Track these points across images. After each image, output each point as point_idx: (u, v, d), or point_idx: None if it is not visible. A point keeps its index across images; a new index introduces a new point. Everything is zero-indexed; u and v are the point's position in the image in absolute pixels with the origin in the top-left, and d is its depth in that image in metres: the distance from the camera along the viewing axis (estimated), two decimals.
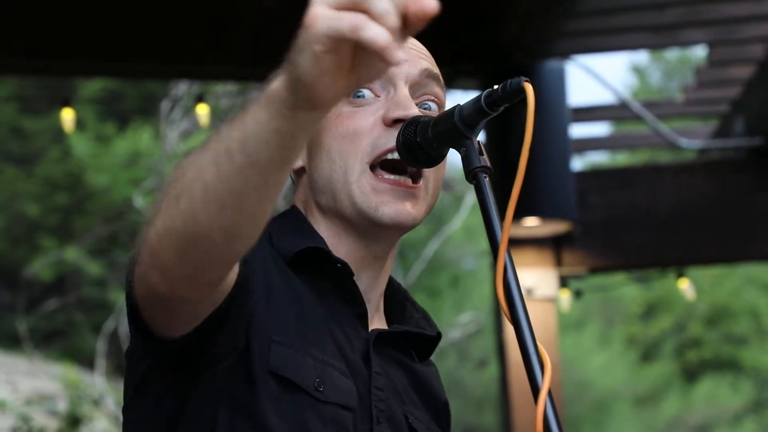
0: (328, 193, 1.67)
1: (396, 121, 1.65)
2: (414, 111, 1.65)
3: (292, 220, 1.70)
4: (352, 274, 1.65)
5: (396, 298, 1.78)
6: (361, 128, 1.65)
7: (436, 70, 1.73)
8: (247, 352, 1.54)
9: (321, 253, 1.65)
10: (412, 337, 1.73)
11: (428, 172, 1.68)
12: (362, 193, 1.64)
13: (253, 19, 5.59)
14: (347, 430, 1.57)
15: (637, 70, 23.61)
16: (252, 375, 1.53)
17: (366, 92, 1.67)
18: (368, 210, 1.64)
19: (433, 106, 1.71)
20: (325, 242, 1.66)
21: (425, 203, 1.68)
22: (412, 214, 1.66)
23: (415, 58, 1.70)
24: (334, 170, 1.65)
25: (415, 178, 1.67)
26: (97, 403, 9.95)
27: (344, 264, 1.65)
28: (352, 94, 1.67)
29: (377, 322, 1.72)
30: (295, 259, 1.64)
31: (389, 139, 1.65)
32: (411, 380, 1.73)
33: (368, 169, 1.65)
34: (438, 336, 1.76)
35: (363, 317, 1.67)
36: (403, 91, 1.68)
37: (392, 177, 1.65)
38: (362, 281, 1.68)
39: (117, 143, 14.56)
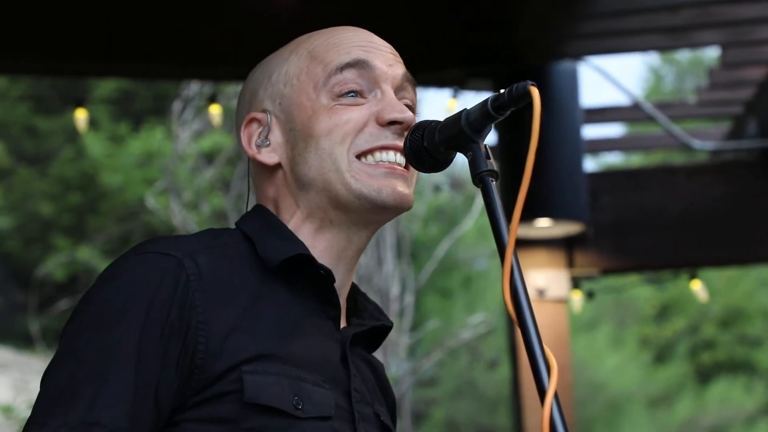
0: (318, 186, 1.67)
1: (391, 123, 1.67)
2: (409, 114, 1.68)
3: (269, 224, 1.69)
4: (333, 280, 1.66)
5: (349, 291, 1.78)
6: (353, 121, 1.67)
7: (409, 73, 1.76)
8: (213, 397, 1.54)
9: (305, 259, 1.65)
10: (373, 330, 1.75)
11: None
12: (358, 180, 1.65)
13: (266, 19, 5.59)
14: None
15: (651, 72, 23.58)
16: (228, 416, 1.54)
17: (355, 94, 1.69)
18: (370, 193, 1.65)
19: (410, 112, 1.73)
20: (305, 246, 1.67)
21: (412, 188, 1.71)
22: (410, 197, 1.68)
23: (394, 62, 1.73)
24: (324, 160, 1.66)
25: (405, 164, 1.69)
26: None
27: (327, 270, 1.65)
28: (341, 94, 1.69)
29: (342, 319, 1.73)
30: (281, 265, 1.64)
31: (381, 138, 1.67)
32: (374, 376, 1.76)
33: (356, 159, 1.66)
34: (391, 326, 1.77)
35: (336, 320, 1.68)
36: (391, 93, 1.70)
37: (387, 162, 1.67)
38: (338, 276, 1.69)
39: (130, 143, 14.61)
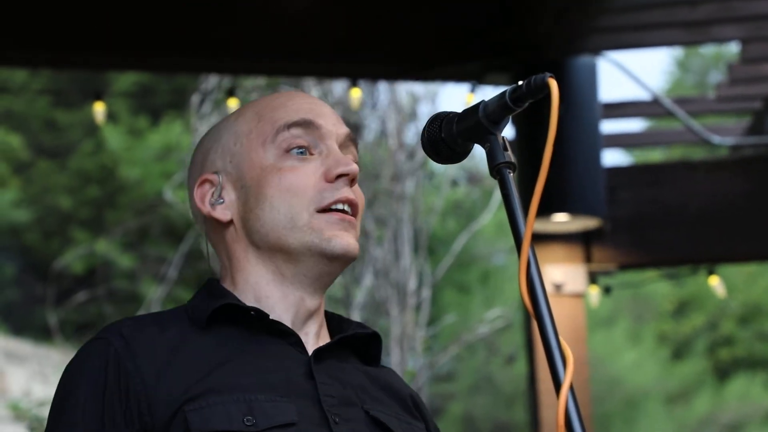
0: (270, 241, 1.74)
1: (338, 177, 1.74)
2: (354, 166, 1.75)
3: (209, 291, 1.77)
4: (267, 315, 1.72)
5: (332, 318, 1.85)
6: (304, 184, 1.74)
7: (352, 133, 1.84)
8: None
9: (232, 307, 1.72)
10: (355, 342, 1.79)
11: (360, 209, 1.78)
12: (313, 230, 1.73)
13: (285, 13, 5.60)
14: None
15: (676, 66, 23.49)
16: None
17: (301, 150, 1.76)
18: (320, 243, 1.73)
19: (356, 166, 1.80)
20: (235, 298, 1.74)
21: (357, 235, 1.78)
22: (356, 247, 1.75)
23: (338, 122, 1.80)
24: (277, 218, 1.73)
25: (353, 213, 1.77)
26: None
27: (257, 310, 1.72)
28: (288, 149, 1.75)
29: (324, 340, 1.78)
30: (213, 319, 1.71)
31: (334, 192, 1.74)
32: (371, 380, 1.77)
33: (316, 213, 1.73)
34: (375, 335, 1.81)
35: (298, 343, 1.73)
36: (336, 149, 1.77)
37: (340, 212, 1.74)
38: (299, 319, 1.75)
39: (149, 137, 14.64)
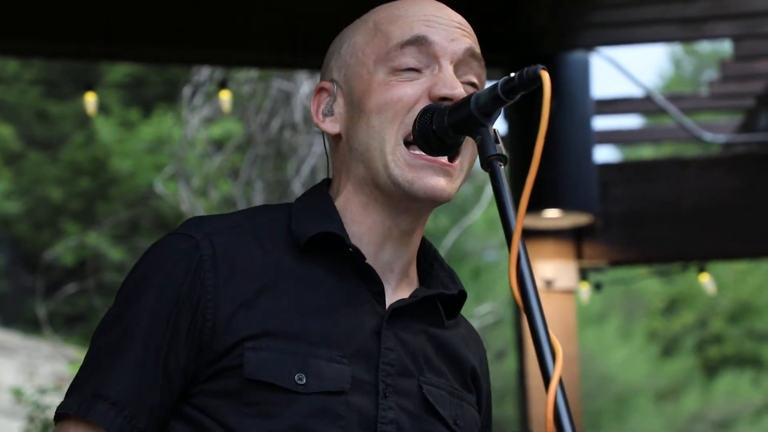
0: (364, 161, 1.68)
1: (442, 99, 1.65)
2: (460, 91, 1.66)
3: (317, 200, 1.72)
4: (363, 257, 1.67)
5: (426, 258, 1.79)
6: (405, 98, 1.66)
7: (478, 49, 1.74)
8: (220, 371, 1.61)
9: (332, 237, 1.66)
10: (436, 298, 1.73)
11: (464, 150, 1.68)
12: (397, 165, 1.65)
13: (277, 5, 5.58)
14: (338, 415, 1.60)
15: (672, 63, 23.50)
16: (231, 390, 1.60)
17: (411, 69, 1.68)
18: (403, 183, 1.65)
19: (472, 88, 1.72)
20: (341, 224, 1.68)
21: (459, 180, 1.69)
22: (446, 190, 1.66)
23: (459, 37, 1.71)
24: (372, 137, 1.67)
25: (452, 157, 1.67)
26: None
27: (355, 249, 1.66)
28: (398, 70, 1.68)
29: (405, 289, 1.72)
30: (310, 243, 1.66)
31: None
32: (437, 347, 1.73)
33: (402, 143, 1.66)
34: (460, 294, 1.75)
35: (380, 294, 1.68)
36: (449, 69, 1.69)
37: (428, 155, 1.66)
38: (386, 252, 1.70)
39: (141, 129, 14.62)
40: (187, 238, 1.65)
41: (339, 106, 1.72)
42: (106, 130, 14.77)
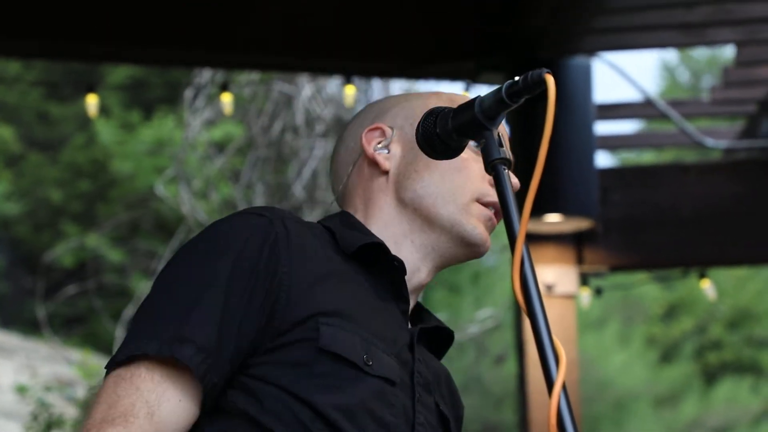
0: (426, 201, 1.82)
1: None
2: (515, 181, 1.74)
3: (349, 223, 1.82)
4: (404, 272, 1.77)
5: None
6: (474, 174, 1.83)
7: None
8: (290, 342, 1.65)
9: (380, 249, 1.77)
10: (435, 336, 1.86)
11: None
12: (466, 212, 1.81)
13: (279, 8, 5.58)
14: (391, 403, 1.67)
15: (667, 70, 23.51)
16: (302, 360, 1.64)
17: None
18: (466, 226, 1.81)
19: None
20: (381, 240, 1.79)
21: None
22: (489, 246, 1.85)
23: (506, 132, 1.84)
24: (442, 188, 1.81)
25: (497, 216, 1.85)
26: None
27: (400, 262, 1.77)
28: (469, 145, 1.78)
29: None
30: (356, 253, 1.76)
31: (494, 196, 1.80)
32: (443, 377, 1.84)
33: (476, 202, 1.82)
34: (452, 334, 1.89)
35: (406, 313, 1.79)
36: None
37: (492, 213, 1.84)
38: (411, 282, 1.81)
39: (142, 131, 14.61)
40: (262, 217, 1.71)
41: (395, 148, 1.84)
42: (106, 132, 14.77)
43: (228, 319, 1.61)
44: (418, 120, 1.73)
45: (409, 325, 1.80)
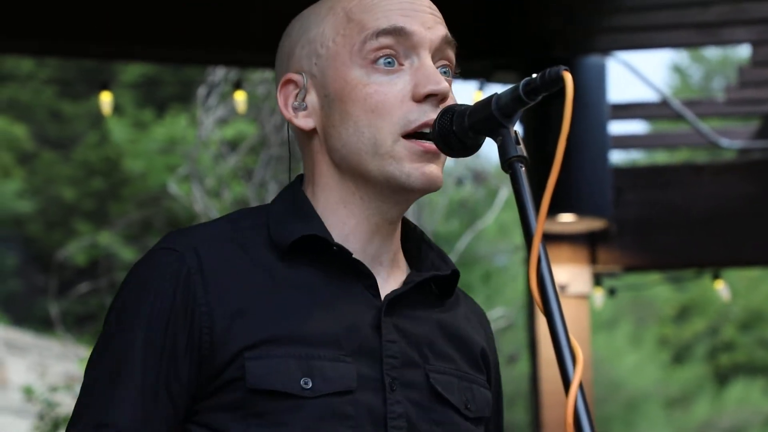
0: (351, 160, 1.63)
1: (427, 96, 1.62)
2: (444, 84, 1.63)
3: (295, 201, 1.68)
4: (350, 253, 1.63)
5: (413, 240, 1.75)
6: (390, 103, 1.61)
7: (450, 35, 1.70)
8: (223, 385, 1.57)
9: (315, 239, 1.63)
10: (431, 281, 1.69)
11: None
12: (394, 159, 1.61)
13: (293, 6, 5.57)
14: (347, 415, 1.56)
15: (678, 70, 23.48)
16: (235, 403, 1.56)
17: (390, 60, 1.64)
18: (400, 176, 1.61)
19: (448, 71, 1.69)
20: (321, 225, 1.64)
21: (443, 166, 1.67)
22: (438, 179, 1.64)
23: (434, 24, 1.67)
24: (361, 141, 1.62)
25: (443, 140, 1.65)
26: None
27: (339, 246, 1.63)
28: (375, 60, 1.63)
29: (398, 277, 1.69)
30: (293, 247, 1.62)
31: (420, 114, 1.62)
32: (441, 332, 1.69)
33: (401, 139, 1.61)
34: (453, 273, 1.70)
35: (373, 287, 1.64)
36: (429, 61, 1.65)
37: (425, 142, 1.62)
38: (373, 245, 1.66)
39: (154, 129, 14.64)
40: (171, 252, 1.60)
41: (312, 99, 1.66)
42: (118, 131, 14.80)
43: (150, 387, 1.56)
44: (323, 54, 1.64)
45: (383, 295, 1.64)
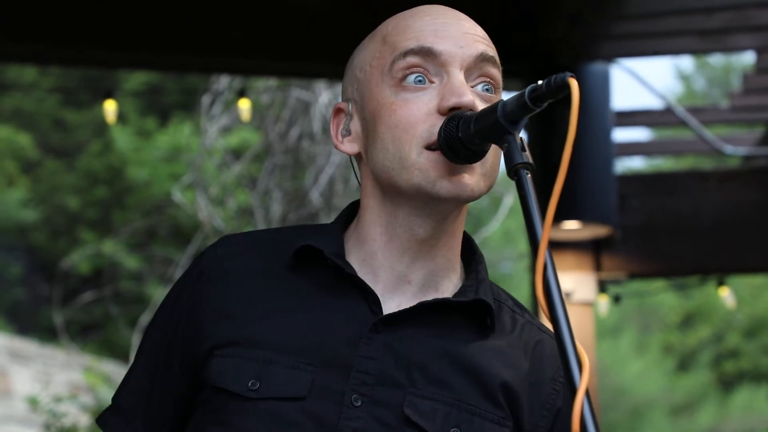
0: (384, 178, 1.65)
1: (452, 109, 1.62)
2: (468, 97, 1.62)
3: (339, 219, 1.74)
4: (343, 269, 1.64)
5: (471, 263, 1.73)
6: (415, 118, 1.62)
7: (492, 52, 1.70)
8: (202, 381, 1.67)
9: (313, 251, 1.67)
10: (457, 306, 1.67)
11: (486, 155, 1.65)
12: (420, 171, 1.61)
13: (297, 14, 5.58)
14: (290, 422, 1.58)
15: (682, 77, 23.47)
16: (203, 399, 1.66)
17: (419, 77, 1.65)
18: (426, 186, 1.61)
19: (490, 88, 1.69)
20: (334, 240, 1.67)
21: (483, 177, 1.65)
22: (470, 186, 1.62)
23: (470, 42, 1.67)
24: (387, 158, 1.63)
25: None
26: None
27: (334, 262, 1.65)
28: (403, 78, 1.64)
29: (440, 286, 1.68)
30: (301, 259, 1.67)
31: (438, 124, 1.63)
32: (444, 357, 1.65)
33: (425, 151, 1.62)
34: (475, 303, 1.67)
35: (376, 304, 1.64)
36: (458, 77, 1.64)
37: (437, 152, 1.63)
38: (402, 263, 1.67)
39: (158, 138, 14.64)
40: (204, 252, 1.73)
41: (355, 124, 1.70)
42: (122, 139, 14.80)
43: (146, 381, 1.74)
44: (361, 79, 1.68)
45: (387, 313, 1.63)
